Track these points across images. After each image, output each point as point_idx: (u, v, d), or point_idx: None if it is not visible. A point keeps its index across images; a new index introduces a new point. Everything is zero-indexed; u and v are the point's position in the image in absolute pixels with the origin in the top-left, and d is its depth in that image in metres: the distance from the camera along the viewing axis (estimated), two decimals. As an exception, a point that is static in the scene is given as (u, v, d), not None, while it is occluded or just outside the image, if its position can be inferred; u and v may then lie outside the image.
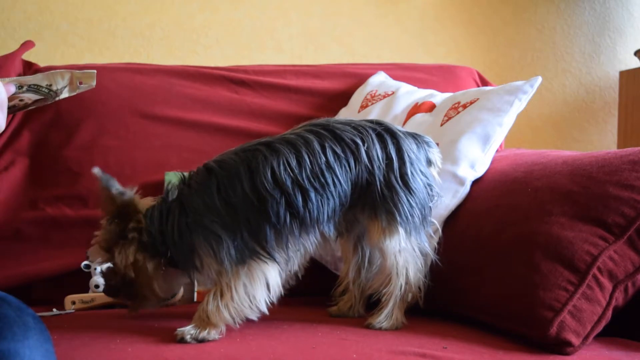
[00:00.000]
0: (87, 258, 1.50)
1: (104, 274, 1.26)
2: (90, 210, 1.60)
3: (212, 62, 2.10)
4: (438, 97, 1.65)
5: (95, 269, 1.50)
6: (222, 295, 1.10)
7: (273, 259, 1.12)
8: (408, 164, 1.20)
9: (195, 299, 1.50)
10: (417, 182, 1.21)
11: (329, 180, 1.15)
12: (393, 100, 1.70)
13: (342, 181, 1.16)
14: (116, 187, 1.15)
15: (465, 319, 1.25)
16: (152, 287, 1.19)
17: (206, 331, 1.08)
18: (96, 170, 1.15)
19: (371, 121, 1.24)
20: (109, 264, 1.20)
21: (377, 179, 1.18)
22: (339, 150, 1.17)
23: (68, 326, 1.19)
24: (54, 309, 1.43)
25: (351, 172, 1.17)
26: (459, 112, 1.52)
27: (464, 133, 1.46)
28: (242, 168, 1.13)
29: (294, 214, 1.12)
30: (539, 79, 1.51)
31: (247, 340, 1.09)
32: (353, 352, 1.01)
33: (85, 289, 1.51)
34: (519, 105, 1.50)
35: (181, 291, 1.47)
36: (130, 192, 1.16)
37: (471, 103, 1.52)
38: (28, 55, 1.77)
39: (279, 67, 1.90)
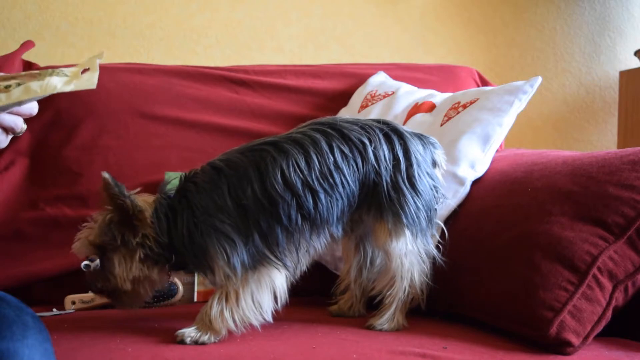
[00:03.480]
0: (87, 258, 1.49)
1: (89, 273, 1.18)
2: (90, 210, 1.58)
3: (212, 62, 2.10)
4: (438, 97, 1.65)
5: (95, 269, 1.50)
6: (227, 300, 1.09)
7: (284, 264, 1.11)
8: (415, 166, 1.20)
9: (195, 299, 1.50)
10: (424, 184, 1.20)
11: (338, 181, 1.14)
12: (393, 100, 1.70)
13: (350, 182, 1.15)
14: (126, 193, 1.10)
15: (465, 319, 1.25)
16: (147, 292, 1.17)
17: (207, 335, 1.08)
18: (106, 175, 1.09)
19: (378, 120, 1.23)
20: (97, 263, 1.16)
21: (384, 179, 1.17)
22: (346, 150, 1.16)
23: (68, 326, 1.19)
24: (54, 309, 1.43)
25: (359, 173, 1.16)
26: (459, 112, 1.52)
27: (464, 133, 1.46)
28: (251, 169, 1.11)
29: (305, 215, 1.12)
30: (539, 79, 1.51)
31: (247, 340, 1.09)
32: (353, 352, 1.01)
33: (85, 289, 1.51)
34: (519, 105, 1.50)
35: (181, 291, 1.47)
36: (140, 202, 1.11)
37: (471, 103, 1.52)
38: (28, 55, 1.77)
39: (279, 67, 1.90)
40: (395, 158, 1.19)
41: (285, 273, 1.12)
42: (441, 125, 1.52)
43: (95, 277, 1.16)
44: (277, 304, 1.12)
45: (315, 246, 1.17)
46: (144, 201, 1.13)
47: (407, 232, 1.19)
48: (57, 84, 0.94)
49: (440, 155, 1.29)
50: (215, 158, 1.16)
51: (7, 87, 0.92)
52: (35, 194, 1.64)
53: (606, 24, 2.35)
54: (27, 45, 1.77)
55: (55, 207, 1.63)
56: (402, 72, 1.88)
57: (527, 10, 2.33)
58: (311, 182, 1.12)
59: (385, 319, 1.21)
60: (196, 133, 1.73)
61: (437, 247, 1.28)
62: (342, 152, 1.15)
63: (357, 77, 1.85)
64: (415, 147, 1.22)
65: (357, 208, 1.19)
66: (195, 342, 1.07)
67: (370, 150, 1.17)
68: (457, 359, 1.00)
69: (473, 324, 1.21)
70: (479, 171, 1.43)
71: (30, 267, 1.55)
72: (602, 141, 2.36)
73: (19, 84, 0.93)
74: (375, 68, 1.88)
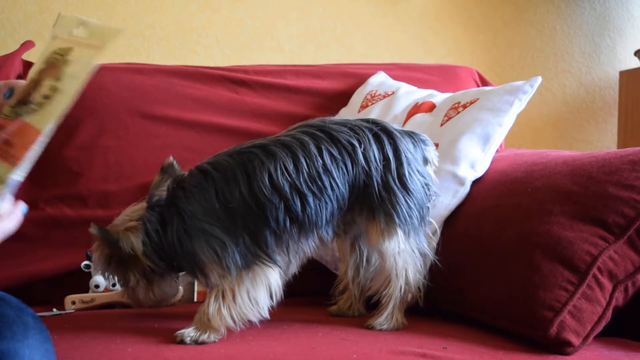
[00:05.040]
0: (87, 258, 1.50)
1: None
2: (90, 210, 1.60)
3: (212, 62, 2.10)
4: (438, 97, 1.65)
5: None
6: (223, 298, 1.09)
7: (275, 262, 1.12)
8: (405, 165, 1.20)
9: (195, 299, 1.50)
10: (415, 183, 1.20)
11: (327, 184, 1.14)
12: (393, 100, 1.70)
13: (339, 184, 1.15)
14: (113, 239, 1.13)
15: (465, 319, 1.25)
16: (170, 288, 1.21)
17: (206, 334, 1.08)
18: (94, 231, 1.13)
19: (367, 120, 1.23)
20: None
21: (374, 180, 1.17)
22: (335, 153, 1.15)
23: (68, 326, 1.19)
24: (54, 309, 1.43)
25: (348, 175, 1.16)
26: (459, 112, 1.52)
27: (464, 133, 1.46)
28: (239, 172, 1.11)
29: (293, 218, 1.12)
30: (539, 79, 1.51)
31: (247, 340, 1.09)
32: (353, 352, 1.01)
33: (85, 289, 1.51)
34: (519, 105, 1.50)
35: (181, 291, 1.47)
36: (133, 241, 1.13)
37: (471, 103, 1.52)
38: (28, 55, 1.77)
39: (279, 67, 1.90)
40: (385, 158, 1.19)
41: (278, 270, 1.12)
42: (441, 125, 1.52)
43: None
44: (272, 300, 1.12)
45: (304, 249, 1.17)
46: (131, 230, 1.13)
47: (400, 232, 1.19)
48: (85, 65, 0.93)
49: (431, 152, 1.28)
50: (204, 161, 1.17)
51: (46, 98, 0.91)
52: (35, 194, 1.64)
53: (606, 24, 2.35)
54: (27, 45, 1.77)
55: (55, 207, 1.63)
56: (402, 72, 1.88)
57: (527, 10, 2.33)
58: (299, 185, 1.11)
59: (384, 319, 1.21)
60: (196, 133, 1.73)
61: (435, 248, 1.28)
62: (331, 154, 1.15)
63: (357, 77, 1.85)
64: (406, 145, 1.22)
65: (348, 210, 1.19)
66: (195, 342, 1.07)
67: (359, 151, 1.17)
68: (457, 359, 1.00)
69: (473, 324, 1.21)
70: (479, 171, 1.43)
71: (30, 267, 1.55)
72: (602, 141, 2.36)
73: (48, 94, 0.91)
74: (375, 68, 1.88)
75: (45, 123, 0.90)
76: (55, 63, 0.95)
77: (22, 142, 0.91)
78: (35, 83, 0.92)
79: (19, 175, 0.91)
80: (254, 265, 1.10)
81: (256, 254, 1.10)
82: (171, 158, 1.18)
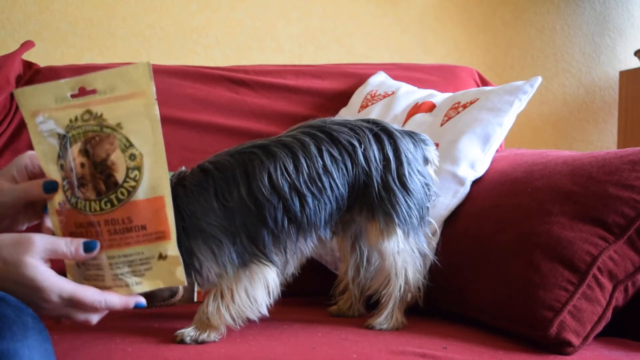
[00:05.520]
0: None
1: None
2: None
3: (212, 62, 2.10)
4: (438, 97, 1.65)
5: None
6: (222, 297, 1.09)
7: (272, 262, 1.12)
8: (405, 165, 1.20)
9: (195, 299, 1.50)
10: (415, 183, 1.20)
11: (326, 185, 1.14)
12: (393, 100, 1.70)
13: (339, 185, 1.15)
14: None
15: (465, 319, 1.25)
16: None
17: (206, 333, 1.08)
18: None
19: (368, 121, 1.23)
20: None
21: (374, 180, 1.17)
22: (335, 153, 1.15)
23: (68, 326, 1.19)
24: (54, 309, 1.43)
25: (348, 175, 1.16)
26: (459, 112, 1.52)
27: (464, 133, 1.46)
28: (239, 171, 1.11)
29: (292, 218, 1.12)
30: (539, 79, 1.51)
31: (247, 340, 1.09)
32: (353, 352, 1.01)
33: (85, 289, 1.50)
34: (519, 105, 1.50)
35: (181, 291, 1.47)
36: None
37: (471, 103, 1.52)
38: (28, 55, 1.77)
39: (279, 67, 1.90)
40: (385, 158, 1.19)
41: (275, 269, 1.12)
42: (441, 125, 1.52)
43: None
44: (270, 298, 1.12)
45: (303, 249, 1.17)
46: None
47: (399, 231, 1.19)
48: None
49: (432, 152, 1.28)
50: (205, 160, 1.16)
51: (137, 169, 0.86)
52: (35, 194, 1.64)
53: (606, 24, 2.35)
54: (27, 45, 1.77)
55: (56, 207, 1.62)
56: (402, 72, 1.88)
57: (527, 10, 2.33)
58: (299, 186, 1.11)
59: (383, 318, 1.21)
60: (196, 133, 1.73)
61: (436, 249, 1.28)
62: (331, 155, 1.15)
63: (357, 77, 1.85)
64: (406, 145, 1.22)
65: (348, 210, 1.19)
66: (195, 341, 1.07)
67: (360, 152, 1.17)
68: (457, 359, 1.00)
69: (473, 324, 1.21)
70: (479, 171, 1.43)
71: (30, 267, 1.55)
72: (602, 141, 2.36)
73: (134, 165, 0.86)
74: (375, 68, 1.88)
75: (162, 185, 0.88)
76: (97, 135, 0.88)
77: (156, 216, 0.89)
78: (84, 164, 0.87)
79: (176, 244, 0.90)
80: (251, 264, 1.10)
81: (253, 253, 1.10)
82: (183, 168, 1.18)
